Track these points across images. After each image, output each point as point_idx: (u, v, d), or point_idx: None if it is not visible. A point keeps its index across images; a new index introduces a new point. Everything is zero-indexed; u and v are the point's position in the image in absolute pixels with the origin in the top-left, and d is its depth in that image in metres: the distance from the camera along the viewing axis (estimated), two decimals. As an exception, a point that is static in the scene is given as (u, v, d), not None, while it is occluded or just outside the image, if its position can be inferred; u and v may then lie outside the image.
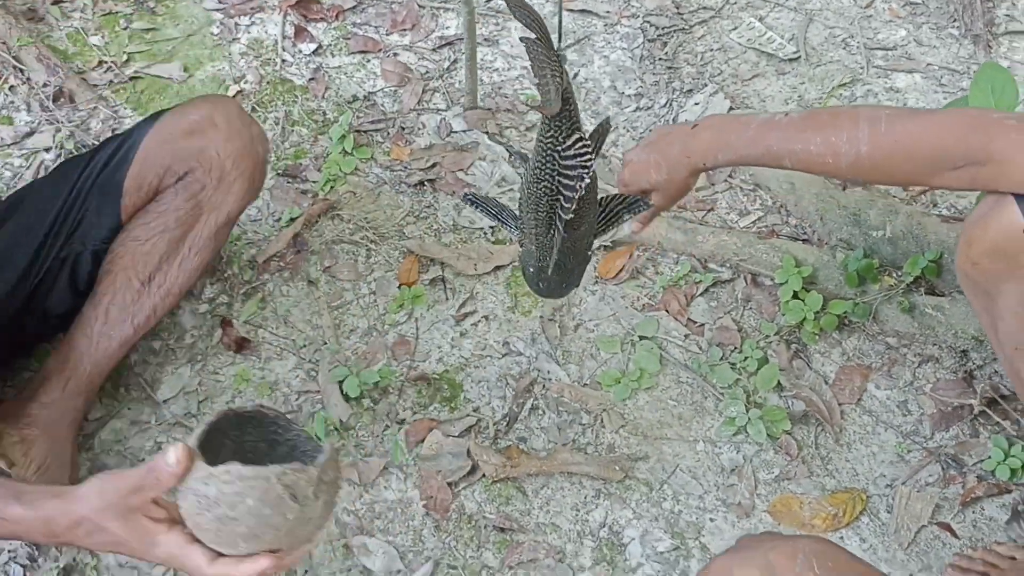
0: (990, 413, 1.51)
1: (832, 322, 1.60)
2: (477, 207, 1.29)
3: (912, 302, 1.56)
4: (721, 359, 1.59)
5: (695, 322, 1.65)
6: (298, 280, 1.68)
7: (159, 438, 1.49)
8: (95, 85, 1.95)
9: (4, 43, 1.96)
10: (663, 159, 1.22)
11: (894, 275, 1.61)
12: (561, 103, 1.03)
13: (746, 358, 1.58)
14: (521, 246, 1.27)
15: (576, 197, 1.08)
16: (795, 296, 1.61)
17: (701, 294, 1.67)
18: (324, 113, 1.92)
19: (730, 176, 1.84)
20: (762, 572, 0.89)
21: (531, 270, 1.27)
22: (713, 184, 1.83)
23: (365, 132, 1.89)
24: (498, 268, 1.70)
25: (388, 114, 1.92)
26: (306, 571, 1.37)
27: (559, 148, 1.07)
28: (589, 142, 1.08)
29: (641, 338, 1.61)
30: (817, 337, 1.62)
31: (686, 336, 1.63)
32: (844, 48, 2.10)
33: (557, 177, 1.09)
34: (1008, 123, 1.03)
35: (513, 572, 1.38)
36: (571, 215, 1.10)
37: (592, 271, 1.70)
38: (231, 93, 1.94)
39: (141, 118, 1.87)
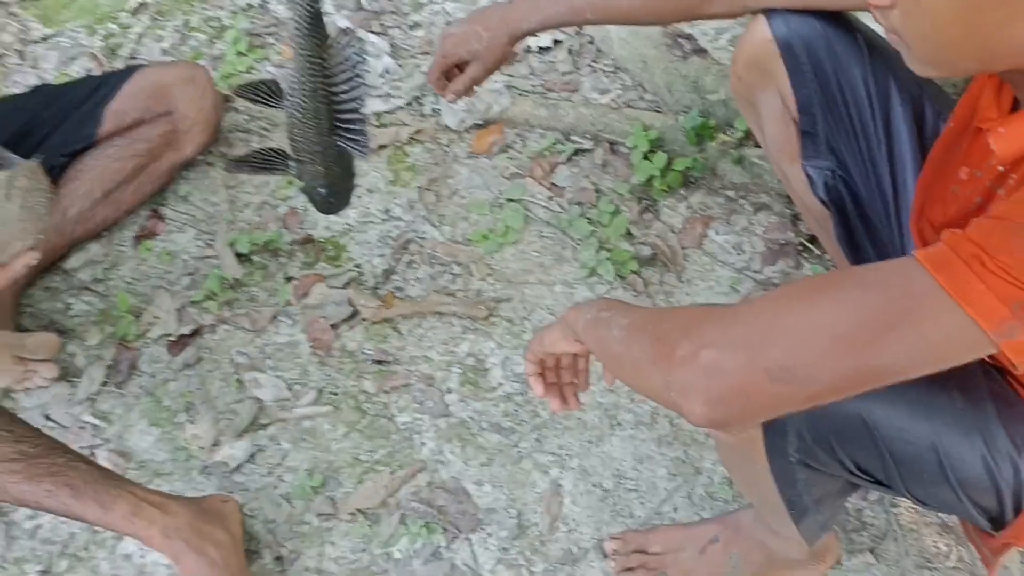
0: (811, 247, 1.71)
1: (677, 179, 1.79)
2: (245, 168, 1.32)
3: (742, 155, 1.76)
4: (580, 216, 1.78)
5: (558, 186, 1.83)
6: (197, 165, 1.84)
7: (68, 300, 1.66)
8: (5, 3, 2.09)
9: (-84, -34, 2.09)
10: (483, 28, 1.34)
11: (728, 132, 1.80)
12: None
13: (601, 213, 1.77)
14: (301, 178, 1.28)
15: (361, 83, 1.19)
16: (645, 158, 1.80)
17: (564, 162, 1.86)
18: (220, 20, 2.07)
19: (593, 61, 2.01)
20: (560, 329, 1.06)
21: (322, 190, 1.28)
22: (578, 69, 2.01)
23: (259, 36, 2.04)
24: (381, 147, 1.87)
25: (281, 20, 2.07)
26: (202, 403, 1.55)
27: (322, 53, 1.13)
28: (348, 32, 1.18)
29: (508, 200, 1.80)
30: (666, 194, 1.81)
31: (549, 198, 1.81)
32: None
33: (328, 79, 1.15)
34: None
35: (388, 395, 1.57)
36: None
37: (467, 148, 1.88)
38: (132, 7, 2.09)
39: (52, 32, 2.04)
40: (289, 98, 1.19)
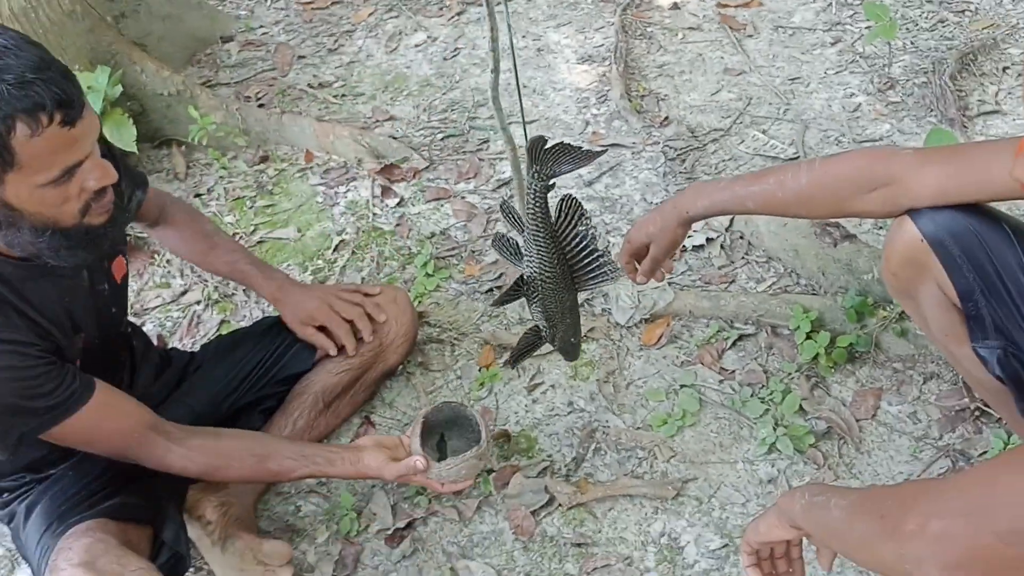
0: (989, 411, 1.75)
1: (842, 355, 1.89)
2: (522, 359, 1.63)
3: (904, 327, 1.85)
4: (751, 396, 1.89)
5: (727, 369, 1.96)
6: (399, 376, 2.07)
7: (298, 503, 1.86)
8: (231, 251, 2.46)
9: (161, 228, 2.50)
10: (658, 215, 1.55)
11: (887, 308, 1.90)
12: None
13: (772, 392, 1.88)
14: (554, 340, 1.58)
15: (590, 230, 1.45)
16: (808, 337, 1.92)
17: (730, 347, 1.99)
18: (409, 249, 2.38)
19: (746, 254, 2.19)
20: (775, 515, 1.13)
21: (573, 340, 1.59)
22: (733, 262, 2.18)
23: (443, 258, 2.33)
24: (559, 347, 2.06)
25: (460, 243, 2.36)
26: (421, 590, 1.68)
27: (552, 229, 1.44)
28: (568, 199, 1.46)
29: (682, 386, 1.93)
30: (832, 369, 1.90)
31: (720, 381, 1.94)
32: (837, 145, 2.48)
33: (562, 246, 1.46)
34: (904, 151, 1.37)
35: (590, 576, 1.66)
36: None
37: (638, 341, 2.05)
38: (333, 245, 2.42)
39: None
40: (538, 277, 1.46)
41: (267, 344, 1.92)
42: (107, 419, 1.47)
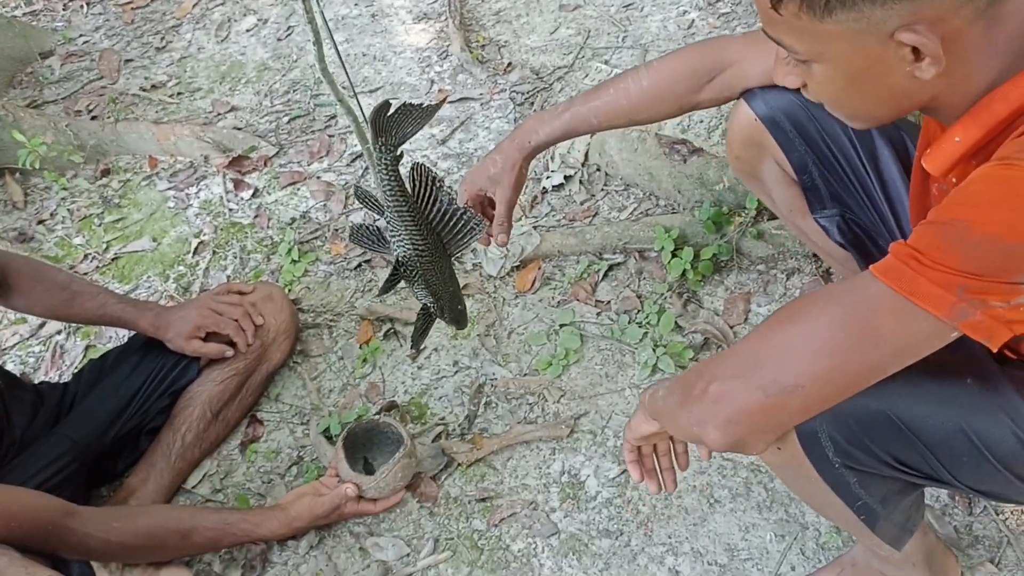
0: (848, 294, 1.82)
1: (708, 267, 1.93)
2: (421, 339, 1.59)
3: (760, 229, 1.90)
4: (629, 323, 1.91)
5: (602, 301, 1.98)
6: (281, 369, 2.02)
7: (195, 515, 1.80)
8: (86, 274, 2.35)
9: (6, 263, 2.37)
10: (497, 155, 1.47)
11: (741, 214, 1.95)
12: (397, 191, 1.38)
13: (648, 315, 1.90)
14: (443, 313, 1.54)
15: (448, 196, 1.42)
16: (673, 255, 1.95)
17: (602, 279, 2.01)
18: (271, 238, 2.31)
19: (605, 185, 2.20)
20: (640, 412, 1.14)
21: (460, 307, 1.57)
22: (593, 195, 2.20)
23: (307, 242, 2.27)
24: (436, 310, 2.04)
25: (322, 224, 2.31)
26: (334, 576, 1.66)
27: (414, 206, 1.39)
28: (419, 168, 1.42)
29: (562, 326, 1.94)
30: (701, 282, 1.94)
31: (598, 314, 1.96)
32: (677, 63, 2.50)
33: (428, 219, 1.42)
34: (733, 37, 1.38)
35: (498, 528, 1.67)
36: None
37: (512, 289, 2.05)
38: (193, 248, 2.34)
39: (131, 288, 2.28)
40: (412, 255, 1.41)
41: (148, 364, 1.84)
42: (11, 523, 1.37)
